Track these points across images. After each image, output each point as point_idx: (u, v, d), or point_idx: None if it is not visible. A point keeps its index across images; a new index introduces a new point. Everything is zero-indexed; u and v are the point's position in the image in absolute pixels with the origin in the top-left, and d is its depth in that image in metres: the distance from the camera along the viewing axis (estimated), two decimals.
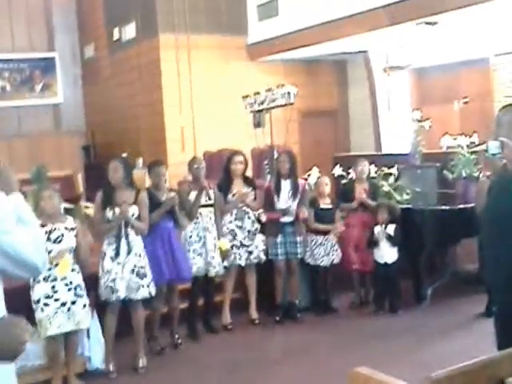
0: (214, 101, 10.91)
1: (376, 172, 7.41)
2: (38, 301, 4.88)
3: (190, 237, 6.15)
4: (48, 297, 4.88)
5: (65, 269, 4.94)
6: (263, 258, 6.60)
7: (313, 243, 6.77)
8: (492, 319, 3.51)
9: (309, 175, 7.41)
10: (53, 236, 4.93)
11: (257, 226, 6.61)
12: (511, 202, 3.22)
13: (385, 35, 9.46)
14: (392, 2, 8.48)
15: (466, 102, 8.38)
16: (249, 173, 7.18)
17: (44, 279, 4.87)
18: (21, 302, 4.80)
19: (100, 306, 5.36)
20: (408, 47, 10.45)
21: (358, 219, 6.99)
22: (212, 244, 6.20)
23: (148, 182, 6.32)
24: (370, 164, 7.51)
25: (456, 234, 6.79)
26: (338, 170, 7.76)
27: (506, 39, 9.45)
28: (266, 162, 8.33)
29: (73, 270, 5.00)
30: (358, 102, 12.07)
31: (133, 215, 5.39)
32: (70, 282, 4.96)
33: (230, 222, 6.50)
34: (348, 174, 7.47)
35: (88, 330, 5.30)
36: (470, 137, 7.53)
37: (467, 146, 7.36)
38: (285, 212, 6.55)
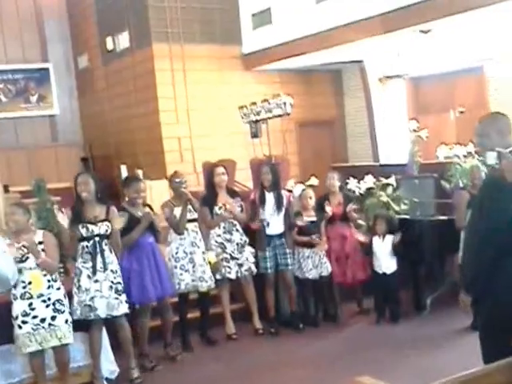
0: (211, 111, 10.94)
1: (374, 183, 7.43)
2: (17, 317, 4.86)
3: (177, 253, 6.09)
4: (26, 314, 4.85)
5: (38, 286, 4.89)
6: (254, 270, 6.59)
7: (300, 255, 6.77)
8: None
9: (292, 187, 7.42)
10: (19, 254, 4.81)
11: (245, 238, 6.57)
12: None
13: (379, 44, 9.53)
14: (386, 11, 8.55)
15: (461, 112, 8.42)
16: (248, 184, 7.18)
17: (21, 297, 4.86)
18: (2, 318, 4.93)
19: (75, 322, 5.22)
20: (403, 57, 10.51)
21: (336, 232, 6.99)
22: (201, 258, 6.15)
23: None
24: (367, 174, 7.54)
25: (454, 243, 6.80)
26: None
27: (499, 47, 9.52)
28: None
29: (50, 286, 4.94)
30: (355, 112, 12.13)
31: (106, 231, 5.28)
32: (48, 299, 4.92)
33: (219, 235, 6.46)
34: (347, 184, 7.49)
35: None
36: (466, 146, 7.59)
37: (464, 155, 7.41)
38: (268, 223, 6.56)
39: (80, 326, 5.22)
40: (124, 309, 5.33)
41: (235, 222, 6.51)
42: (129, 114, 11.78)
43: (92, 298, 5.18)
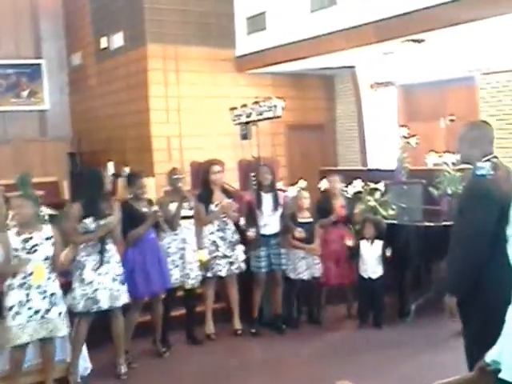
0: (202, 112, 10.94)
1: (362, 187, 7.43)
2: (11, 308, 4.78)
3: (169, 248, 6.10)
4: (21, 304, 4.78)
5: (39, 277, 4.84)
6: (244, 267, 6.58)
7: (295, 256, 6.76)
8: None
9: (283, 187, 7.43)
10: (28, 245, 4.82)
11: (237, 236, 6.57)
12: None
13: (372, 51, 9.55)
14: (380, 19, 8.57)
15: (452, 120, 8.44)
16: (235, 185, 7.16)
17: (19, 286, 4.80)
18: None
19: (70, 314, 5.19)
20: (395, 64, 10.54)
21: (336, 234, 6.99)
22: (191, 256, 6.17)
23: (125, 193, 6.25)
24: (356, 178, 7.54)
25: (440, 250, 6.78)
26: (324, 184, 7.77)
27: (491, 58, 9.57)
28: (252, 174, 8.32)
29: (49, 278, 4.92)
30: (345, 117, 12.16)
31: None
32: (45, 291, 4.87)
33: (212, 233, 6.44)
34: None
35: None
36: (455, 154, 7.59)
37: (452, 163, 7.42)
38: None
39: None
40: (124, 299, 5.39)
41: (228, 221, 6.50)
42: (119, 112, 11.78)
43: (95, 291, 5.22)
